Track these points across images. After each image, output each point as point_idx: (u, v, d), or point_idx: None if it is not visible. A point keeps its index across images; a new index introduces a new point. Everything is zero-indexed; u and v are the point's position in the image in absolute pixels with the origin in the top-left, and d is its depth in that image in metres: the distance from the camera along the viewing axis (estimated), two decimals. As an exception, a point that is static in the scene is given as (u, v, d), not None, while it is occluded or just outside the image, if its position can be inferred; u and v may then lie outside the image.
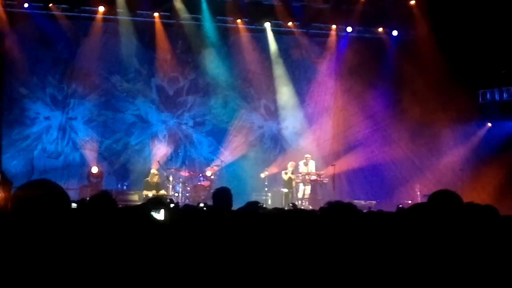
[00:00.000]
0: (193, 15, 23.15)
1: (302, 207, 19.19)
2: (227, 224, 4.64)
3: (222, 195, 8.26)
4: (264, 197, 21.59)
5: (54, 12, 21.99)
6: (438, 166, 23.00)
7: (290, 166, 21.82)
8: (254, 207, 7.46)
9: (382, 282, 4.10)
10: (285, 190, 21.50)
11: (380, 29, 24.39)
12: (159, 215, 6.82)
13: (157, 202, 7.54)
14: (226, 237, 4.48)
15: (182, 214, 5.52)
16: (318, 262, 4.13)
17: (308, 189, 21.85)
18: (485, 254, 4.35)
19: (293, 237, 4.40)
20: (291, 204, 14.76)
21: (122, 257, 3.41)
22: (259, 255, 4.14)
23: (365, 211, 8.05)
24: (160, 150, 23.05)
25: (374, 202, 21.03)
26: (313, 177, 21.72)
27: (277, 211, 7.42)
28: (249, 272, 3.99)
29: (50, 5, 21.82)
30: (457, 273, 4.15)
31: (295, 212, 5.90)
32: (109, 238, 3.58)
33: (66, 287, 3.30)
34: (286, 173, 21.68)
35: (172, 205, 9.26)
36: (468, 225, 4.71)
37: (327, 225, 4.43)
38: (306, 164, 22.03)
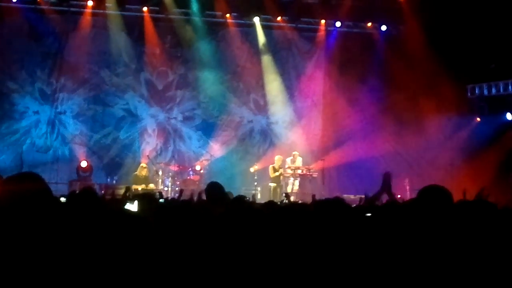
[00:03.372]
0: (182, 10, 23.14)
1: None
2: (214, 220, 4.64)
3: (214, 190, 8.26)
4: (253, 192, 21.59)
5: (43, 7, 21.94)
6: (427, 160, 23.05)
7: (278, 160, 21.86)
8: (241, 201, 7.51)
9: (372, 276, 4.12)
10: (273, 184, 21.53)
11: (369, 24, 24.42)
12: (133, 206, 6.82)
13: (145, 197, 7.57)
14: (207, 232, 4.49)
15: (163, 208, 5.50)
16: (309, 256, 4.15)
17: (296, 183, 21.85)
18: (483, 249, 4.36)
19: (284, 232, 4.42)
20: (284, 194, 14.71)
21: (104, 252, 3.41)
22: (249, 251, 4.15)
23: (353, 205, 8.07)
24: (150, 144, 23.10)
25: (363, 196, 20.99)
26: (302, 171, 21.72)
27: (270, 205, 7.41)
28: (239, 267, 4.01)
29: (39, -1, 21.83)
30: (451, 267, 4.17)
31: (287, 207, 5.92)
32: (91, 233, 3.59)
33: (50, 281, 3.31)
34: (274, 168, 21.69)
35: (161, 200, 9.25)
36: (470, 222, 4.71)
37: (318, 220, 4.45)
38: (293, 162, 22.03)
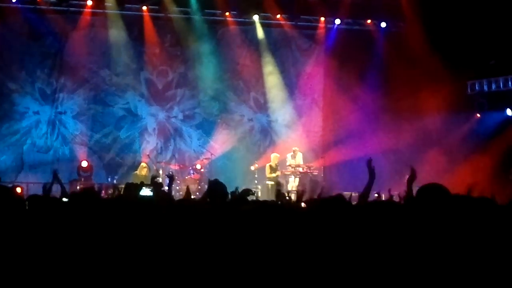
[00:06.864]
0: (181, 8, 23.14)
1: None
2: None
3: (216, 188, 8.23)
4: (254, 190, 21.54)
5: (42, 7, 21.89)
6: (427, 157, 23.00)
7: (274, 158, 21.88)
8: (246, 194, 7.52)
9: (373, 274, 4.12)
10: (271, 183, 21.51)
11: (369, 21, 24.41)
12: (147, 191, 6.87)
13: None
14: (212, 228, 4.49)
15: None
16: (309, 254, 4.15)
17: (297, 181, 21.85)
18: (483, 244, 4.36)
19: (281, 230, 4.41)
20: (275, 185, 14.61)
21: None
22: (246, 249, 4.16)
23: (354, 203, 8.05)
24: (150, 143, 23.11)
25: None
26: (303, 169, 21.72)
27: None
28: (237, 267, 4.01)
29: (38, -1, 21.82)
30: (452, 266, 4.17)
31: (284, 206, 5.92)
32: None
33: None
34: (271, 167, 21.70)
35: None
36: (466, 218, 4.71)
37: (317, 218, 4.45)
38: (293, 157, 22.08)
